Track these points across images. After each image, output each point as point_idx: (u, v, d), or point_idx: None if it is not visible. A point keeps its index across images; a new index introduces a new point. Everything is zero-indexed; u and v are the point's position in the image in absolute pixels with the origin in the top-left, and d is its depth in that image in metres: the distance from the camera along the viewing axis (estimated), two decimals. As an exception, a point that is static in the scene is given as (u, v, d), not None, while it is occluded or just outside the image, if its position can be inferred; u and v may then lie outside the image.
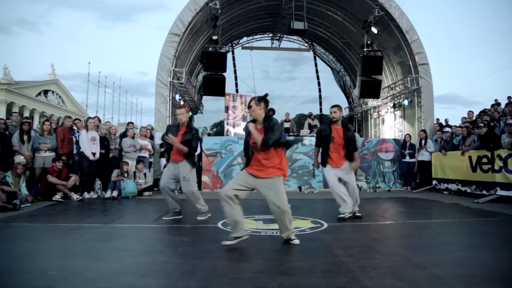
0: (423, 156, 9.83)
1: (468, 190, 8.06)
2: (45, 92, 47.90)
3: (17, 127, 7.76)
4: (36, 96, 45.55)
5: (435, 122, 11.66)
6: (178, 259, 3.17)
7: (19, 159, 7.28)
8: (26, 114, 38.87)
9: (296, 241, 3.62)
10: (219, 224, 4.64)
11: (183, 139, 4.85)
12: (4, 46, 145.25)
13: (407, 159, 10.03)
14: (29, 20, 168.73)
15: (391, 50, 13.29)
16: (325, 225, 4.67)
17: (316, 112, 17.40)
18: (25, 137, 7.35)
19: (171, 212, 5.12)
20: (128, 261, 3.10)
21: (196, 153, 6.06)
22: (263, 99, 3.58)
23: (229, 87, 16.13)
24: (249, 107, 3.58)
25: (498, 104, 11.56)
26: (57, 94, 50.52)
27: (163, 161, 9.23)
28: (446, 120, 12.09)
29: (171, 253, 3.26)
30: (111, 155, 8.40)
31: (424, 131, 10.32)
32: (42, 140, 7.48)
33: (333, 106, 5.25)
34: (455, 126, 10.16)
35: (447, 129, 10.22)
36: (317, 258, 3.16)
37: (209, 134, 14.38)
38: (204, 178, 9.72)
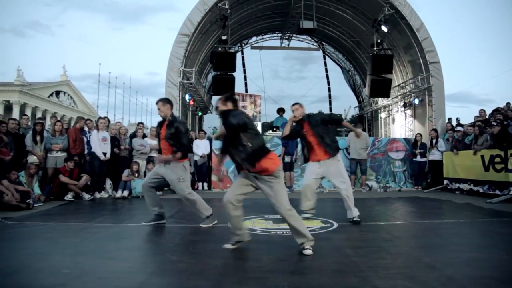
0: (434, 155, 9.72)
1: (481, 190, 7.95)
2: (57, 93, 48.66)
3: (27, 129, 7.88)
4: (48, 97, 46.29)
5: (447, 121, 11.53)
6: (188, 258, 3.19)
7: (32, 159, 7.40)
8: (39, 115, 39.48)
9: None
10: (229, 224, 4.64)
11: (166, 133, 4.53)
12: (18, 48, 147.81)
13: (418, 158, 9.93)
14: (42, 23, 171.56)
15: (402, 49, 13.17)
16: (335, 225, 4.66)
17: (326, 111, 17.29)
18: (38, 138, 7.46)
19: (152, 215, 4.71)
20: (139, 260, 3.13)
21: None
22: (229, 98, 3.38)
23: (239, 87, 16.17)
24: (216, 108, 3.41)
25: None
26: (68, 95, 51.26)
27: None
28: (457, 119, 11.94)
29: (182, 253, 3.28)
30: (121, 154, 8.47)
31: (435, 130, 10.21)
32: (54, 140, 7.58)
33: (293, 104, 4.99)
34: (467, 125, 10.02)
35: (459, 128, 10.08)
36: (328, 258, 3.15)
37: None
38: (214, 177, 9.75)
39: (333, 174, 4.84)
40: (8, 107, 40.47)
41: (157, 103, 4.66)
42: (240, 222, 3.48)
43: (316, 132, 4.79)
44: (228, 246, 3.44)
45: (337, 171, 4.83)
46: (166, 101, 4.69)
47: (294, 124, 5.05)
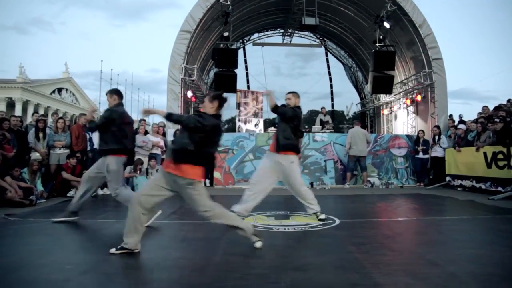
0: (436, 152, 9.70)
1: (483, 187, 7.94)
2: (59, 90, 48.76)
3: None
4: (50, 94, 46.37)
5: (448, 118, 11.48)
6: (190, 254, 3.20)
7: (34, 156, 7.42)
8: (41, 112, 39.53)
9: None
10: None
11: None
12: (20, 45, 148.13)
13: (420, 155, 9.91)
14: (44, 20, 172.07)
15: (404, 45, 13.11)
16: (337, 221, 4.65)
17: (328, 108, 17.26)
18: (41, 135, 7.48)
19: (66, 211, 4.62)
20: (141, 256, 3.14)
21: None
22: (217, 98, 3.29)
23: (241, 84, 16.13)
24: (202, 101, 3.34)
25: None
26: (70, 92, 51.34)
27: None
28: (460, 116, 11.90)
29: (184, 249, 3.29)
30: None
31: (438, 127, 10.19)
32: (56, 137, 7.60)
33: (288, 93, 4.78)
34: (469, 121, 9.99)
35: (461, 125, 10.05)
36: (330, 255, 3.16)
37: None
38: (216, 174, 9.77)
39: (283, 177, 4.63)
40: (11, 104, 40.57)
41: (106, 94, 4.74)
42: (138, 226, 3.18)
43: (279, 125, 4.64)
44: (113, 251, 3.16)
45: (286, 174, 4.57)
46: (113, 92, 4.68)
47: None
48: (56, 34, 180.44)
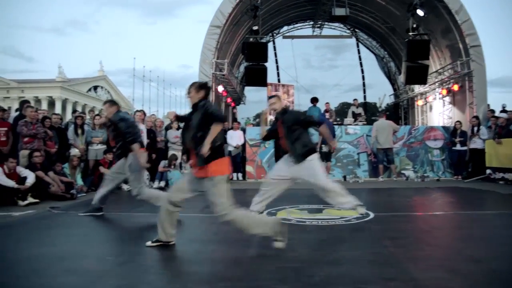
0: (475, 143, 9.29)
1: (527, 180, 7.55)
2: (95, 88, 50.64)
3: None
4: (87, 92, 48.19)
5: (487, 108, 10.94)
6: (225, 247, 3.25)
7: (74, 152, 7.75)
8: (79, 109, 41.20)
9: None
10: (265, 213, 4.67)
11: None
12: (58, 46, 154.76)
13: (458, 147, 9.53)
14: (79, 20, 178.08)
15: (439, 33, 12.58)
16: (372, 215, 4.57)
17: (360, 100, 16.91)
18: (79, 131, 7.81)
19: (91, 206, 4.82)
20: (177, 249, 3.22)
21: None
22: (204, 87, 3.29)
23: (271, 77, 16.04)
24: (188, 92, 3.28)
25: None
26: (105, 89, 53.11)
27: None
28: (503, 106, 11.31)
29: (218, 242, 3.34)
30: (158, 145, 8.69)
31: (477, 117, 9.74)
32: (94, 133, 7.90)
33: (270, 97, 4.52)
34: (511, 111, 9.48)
35: (502, 114, 9.56)
36: (364, 249, 3.11)
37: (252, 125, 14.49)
38: (249, 168, 9.83)
39: (307, 176, 4.21)
40: (51, 103, 42.56)
41: (104, 103, 5.07)
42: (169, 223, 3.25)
43: (286, 133, 4.23)
44: (149, 243, 3.24)
45: (310, 173, 4.18)
46: (112, 103, 4.95)
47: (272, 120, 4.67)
48: (91, 33, 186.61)
